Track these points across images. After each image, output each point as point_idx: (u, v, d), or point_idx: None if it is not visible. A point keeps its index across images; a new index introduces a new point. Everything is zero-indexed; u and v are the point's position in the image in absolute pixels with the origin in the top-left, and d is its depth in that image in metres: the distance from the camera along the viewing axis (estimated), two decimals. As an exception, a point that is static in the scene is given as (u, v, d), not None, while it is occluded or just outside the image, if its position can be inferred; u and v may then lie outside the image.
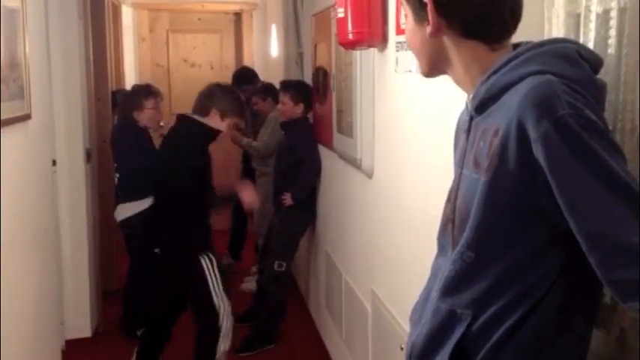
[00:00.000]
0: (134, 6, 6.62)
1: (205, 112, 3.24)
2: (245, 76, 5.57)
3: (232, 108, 3.28)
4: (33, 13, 3.04)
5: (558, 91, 1.04)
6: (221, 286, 3.24)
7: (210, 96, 3.28)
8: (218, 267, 3.25)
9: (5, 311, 2.56)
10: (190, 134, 3.19)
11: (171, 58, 6.86)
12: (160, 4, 6.76)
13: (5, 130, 2.54)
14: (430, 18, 1.19)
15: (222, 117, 3.25)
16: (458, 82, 1.28)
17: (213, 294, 3.21)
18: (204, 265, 3.19)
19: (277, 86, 4.73)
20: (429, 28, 1.21)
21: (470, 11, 1.18)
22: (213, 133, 3.24)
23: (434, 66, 1.28)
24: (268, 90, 5.09)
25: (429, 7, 1.19)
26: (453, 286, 1.21)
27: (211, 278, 3.21)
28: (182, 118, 3.31)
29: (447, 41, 1.22)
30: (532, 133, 1.04)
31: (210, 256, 3.24)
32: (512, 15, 1.19)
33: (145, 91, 4.26)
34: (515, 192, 1.09)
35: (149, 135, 4.22)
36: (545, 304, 1.13)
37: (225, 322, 3.27)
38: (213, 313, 3.22)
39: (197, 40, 6.88)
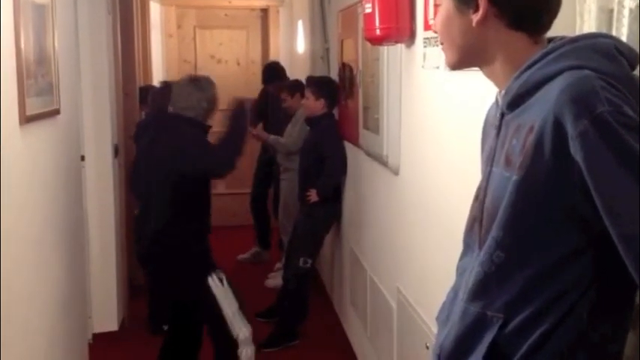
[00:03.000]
0: (162, 2, 6.66)
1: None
2: (274, 71, 5.62)
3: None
4: (62, 8, 3.06)
5: (597, 88, 1.01)
6: (237, 310, 2.89)
7: None
8: (230, 285, 2.92)
9: (34, 305, 2.59)
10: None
11: (198, 54, 6.89)
12: (187, 1, 6.79)
13: (34, 126, 2.56)
14: (481, 5, 1.16)
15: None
16: (490, 76, 1.24)
17: (229, 321, 2.87)
18: (214, 287, 2.86)
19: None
20: (476, 16, 1.17)
21: (523, 0, 1.16)
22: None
23: (466, 58, 1.24)
24: (296, 86, 5.09)
25: None
26: (483, 288, 1.18)
27: (223, 303, 2.86)
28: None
29: (492, 32, 1.18)
30: (570, 131, 1.01)
31: (220, 274, 2.91)
32: (556, 5, 1.17)
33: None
34: (549, 190, 1.07)
35: None
36: (579, 307, 1.10)
37: (246, 351, 2.94)
38: (230, 342, 2.91)
39: (224, 36, 6.91)
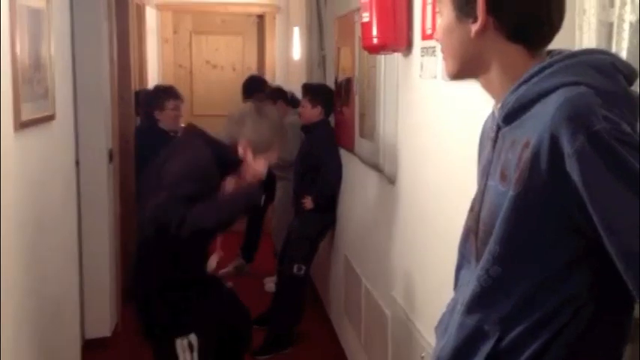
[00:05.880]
0: (158, 7, 6.65)
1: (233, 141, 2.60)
2: (254, 84, 5.39)
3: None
4: (58, 13, 3.06)
5: (593, 104, 1.01)
6: None
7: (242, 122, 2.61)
8: (201, 354, 2.49)
9: (27, 310, 2.57)
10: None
11: (193, 60, 6.88)
12: (183, 6, 6.79)
13: (29, 131, 2.55)
14: (479, 14, 1.15)
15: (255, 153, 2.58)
16: (488, 88, 1.24)
17: None
18: (180, 350, 2.49)
19: (294, 88, 4.72)
20: (474, 26, 1.16)
21: (522, 11, 1.15)
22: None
23: (466, 68, 1.23)
24: (277, 93, 5.04)
25: (480, 3, 1.14)
26: (480, 301, 1.18)
27: None
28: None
29: (490, 43, 1.17)
30: (566, 148, 1.01)
31: (191, 338, 2.50)
32: (559, 20, 1.17)
33: (167, 92, 4.38)
34: (545, 207, 1.07)
35: (171, 138, 4.25)
36: (576, 321, 1.10)
37: None
38: None
39: (220, 42, 6.90)
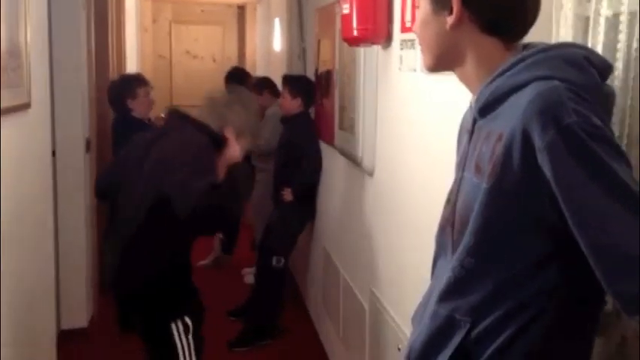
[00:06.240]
0: (138, -4, 6.60)
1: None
2: (237, 76, 5.40)
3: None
4: (35, 1, 3.01)
5: (564, 98, 1.02)
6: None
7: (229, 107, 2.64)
8: (194, 335, 2.51)
9: (2, 300, 2.54)
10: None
11: (173, 49, 6.85)
12: (163, -5, 6.75)
13: (4, 119, 2.51)
14: (454, 7, 1.16)
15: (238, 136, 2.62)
16: (464, 81, 1.25)
17: None
18: (176, 334, 2.47)
19: (274, 80, 4.69)
20: (450, 19, 1.18)
21: (496, 4, 1.16)
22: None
23: (442, 61, 1.25)
24: (263, 83, 5.03)
25: None
26: (453, 291, 1.20)
27: (183, 352, 2.48)
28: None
29: (465, 35, 1.19)
30: (537, 142, 1.02)
31: (186, 320, 2.49)
32: (533, 13, 1.18)
33: (137, 79, 4.31)
34: (518, 200, 1.08)
35: (147, 125, 4.20)
36: (547, 313, 1.11)
37: None
38: None
39: (200, 32, 6.87)
